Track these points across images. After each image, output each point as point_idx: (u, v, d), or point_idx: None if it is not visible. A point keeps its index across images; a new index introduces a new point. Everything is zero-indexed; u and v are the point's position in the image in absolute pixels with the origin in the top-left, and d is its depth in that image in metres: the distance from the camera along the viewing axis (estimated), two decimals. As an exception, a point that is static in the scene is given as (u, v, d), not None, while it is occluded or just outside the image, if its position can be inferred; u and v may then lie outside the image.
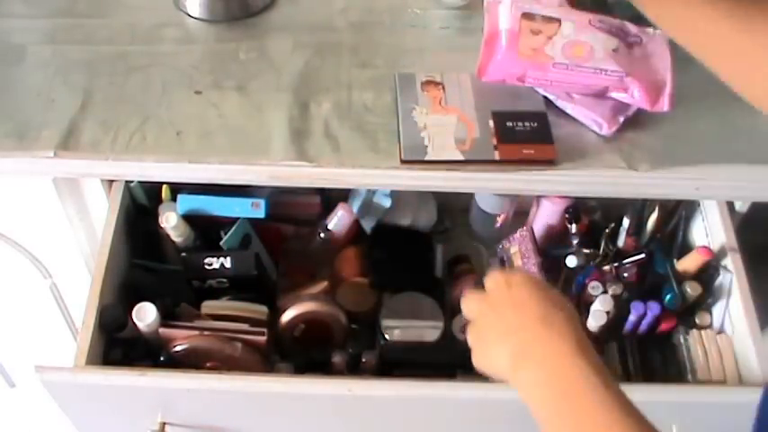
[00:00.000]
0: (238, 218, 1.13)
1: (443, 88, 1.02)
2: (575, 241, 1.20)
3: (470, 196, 1.32)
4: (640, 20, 1.05)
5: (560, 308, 0.71)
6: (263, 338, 1.04)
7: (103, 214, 1.10)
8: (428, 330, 1.17)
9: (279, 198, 1.21)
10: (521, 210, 1.33)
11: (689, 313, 1.12)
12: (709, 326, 1.11)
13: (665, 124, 1.01)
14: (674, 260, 1.14)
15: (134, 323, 1.03)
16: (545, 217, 1.27)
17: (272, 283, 1.19)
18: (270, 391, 0.98)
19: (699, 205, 1.18)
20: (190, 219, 1.11)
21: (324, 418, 1.06)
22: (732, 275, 1.08)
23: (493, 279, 0.76)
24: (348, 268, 1.25)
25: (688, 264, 1.12)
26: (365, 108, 1.01)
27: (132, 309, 1.03)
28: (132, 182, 1.13)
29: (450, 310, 1.21)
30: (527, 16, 0.98)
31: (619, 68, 0.96)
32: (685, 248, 1.18)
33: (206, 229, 1.14)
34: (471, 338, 0.75)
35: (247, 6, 1.13)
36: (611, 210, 1.22)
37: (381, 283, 1.23)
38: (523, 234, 1.23)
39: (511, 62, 0.98)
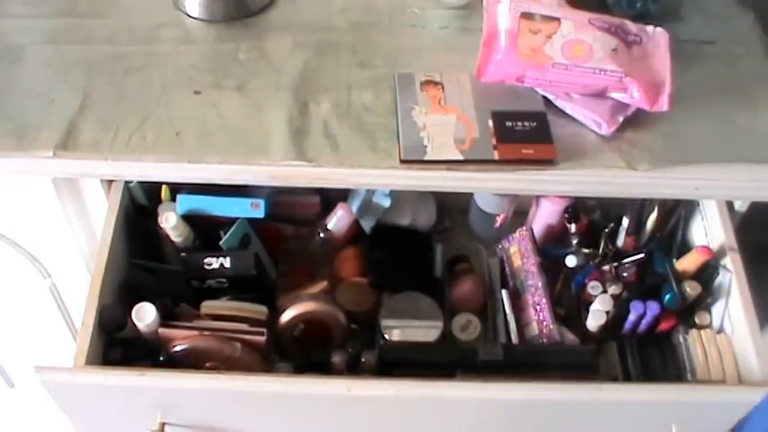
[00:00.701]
0: (238, 218, 1.13)
1: (443, 88, 1.02)
2: (574, 241, 1.20)
3: (470, 196, 1.32)
4: (640, 19, 1.05)
5: None
6: (262, 338, 1.04)
7: (103, 214, 1.10)
8: (428, 330, 1.17)
9: (278, 198, 1.21)
10: (520, 210, 1.33)
11: (688, 313, 1.12)
12: (709, 325, 1.11)
13: (664, 124, 1.01)
14: (674, 260, 1.14)
15: (133, 323, 1.03)
16: (544, 217, 1.27)
17: (272, 283, 1.19)
18: (269, 391, 0.98)
19: (698, 205, 1.18)
20: (189, 219, 1.11)
21: (323, 418, 1.06)
22: (731, 275, 1.08)
23: None
24: (347, 268, 1.25)
25: (687, 263, 1.12)
26: (364, 108, 1.01)
27: (132, 309, 1.03)
28: (131, 182, 1.13)
29: (450, 310, 1.21)
30: (526, 16, 0.98)
31: (618, 68, 0.96)
32: (685, 248, 1.18)
33: (205, 229, 1.14)
34: None
35: (246, 6, 1.13)
36: (611, 209, 1.22)
37: (381, 282, 1.23)
38: (523, 234, 1.23)
39: (510, 62, 0.98)
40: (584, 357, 1.10)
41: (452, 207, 1.37)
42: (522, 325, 1.17)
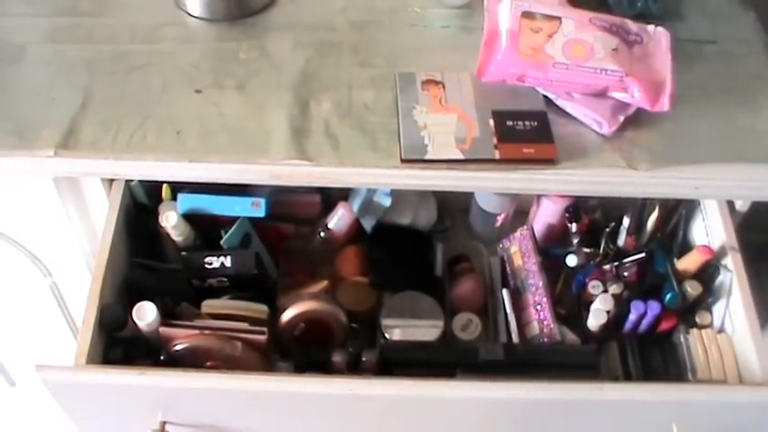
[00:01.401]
0: (238, 217, 1.13)
1: (444, 87, 1.02)
2: (575, 240, 1.20)
3: (470, 195, 1.32)
4: (641, 18, 1.05)
5: None
6: (263, 338, 1.04)
7: (104, 213, 1.10)
8: (428, 330, 1.17)
9: (279, 197, 1.21)
10: (521, 209, 1.33)
11: (689, 312, 1.12)
12: (710, 325, 1.11)
13: (665, 123, 1.01)
14: (675, 259, 1.14)
15: (134, 322, 1.03)
16: (545, 216, 1.27)
17: (273, 283, 1.19)
18: (270, 390, 0.98)
19: (699, 204, 1.18)
20: (190, 218, 1.11)
21: (324, 417, 1.06)
22: (732, 275, 1.08)
23: None
24: (348, 267, 1.25)
25: (688, 263, 1.12)
26: (365, 107, 1.01)
27: (132, 308, 1.03)
28: (132, 181, 1.13)
29: (450, 310, 1.21)
30: (527, 15, 0.98)
31: (619, 68, 0.96)
32: (685, 248, 1.18)
33: (206, 229, 1.14)
34: None
35: (247, 5, 1.13)
36: (612, 209, 1.22)
37: (381, 282, 1.23)
38: (524, 233, 1.23)
39: (511, 62, 0.98)
40: (585, 357, 1.10)
41: (453, 207, 1.37)
42: (522, 324, 1.17)
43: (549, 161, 0.96)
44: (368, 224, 1.27)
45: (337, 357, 1.11)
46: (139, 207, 1.16)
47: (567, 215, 1.21)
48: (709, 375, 1.06)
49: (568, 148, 0.97)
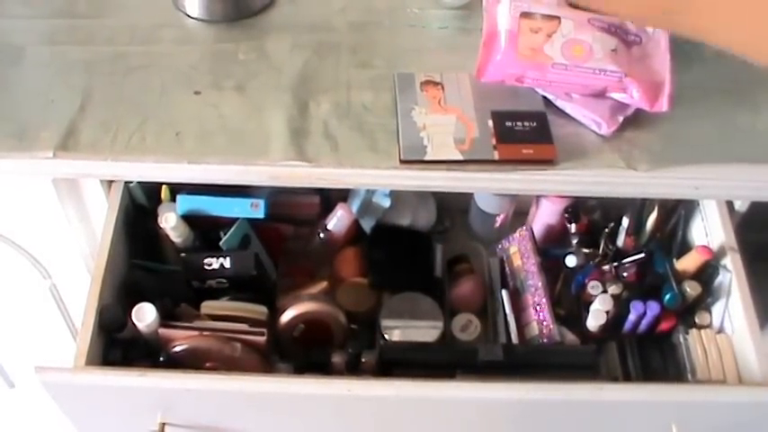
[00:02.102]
0: (238, 218, 1.13)
1: (443, 88, 1.02)
2: (574, 241, 1.20)
3: (470, 196, 1.32)
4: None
5: None
6: (262, 339, 1.04)
7: (103, 215, 1.10)
8: (428, 330, 1.17)
9: (278, 198, 1.21)
10: (520, 210, 1.33)
11: (688, 313, 1.12)
12: (709, 325, 1.11)
13: (664, 124, 1.01)
14: (674, 260, 1.14)
15: (133, 324, 1.03)
16: (544, 217, 1.27)
17: (272, 284, 1.19)
18: (269, 391, 0.98)
19: (698, 205, 1.18)
20: (189, 219, 1.11)
21: (324, 418, 1.06)
22: (731, 275, 1.08)
23: None
24: (347, 268, 1.25)
25: (687, 263, 1.12)
26: (364, 108, 1.01)
27: (132, 309, 1.03)
28: (131, 182, 1.13)
29: (450, 310, 1.21)
30: (526, 15, 0.98)
31: (618, 69, 0.96)
32: (685, 248, 1.18)
33: (205, 230, 1.14)
34: None
35: (246, 6, 1.13)
36: (611, 209, 1.22)
37: (381, 283, 1.23)
38: (523, 234, 1.23)
39: (510, 63, 0.98)
40: (585, 357, 1.10)
41: (452, 207, 1.37)
42: (522, 325, 1.17)
43: (548, 162, 0.96)
44: (367, 225, 1.27)
45: (337, 358, 1.11)
46: (138, 208, 1.16)
47: (566, 216, 1.21)
48: (708, 376, 1.06)
49: (567, 149, 0.97)
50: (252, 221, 1.16)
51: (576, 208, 1.21)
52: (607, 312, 1.12)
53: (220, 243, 1.12)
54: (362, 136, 0.98)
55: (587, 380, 1.02)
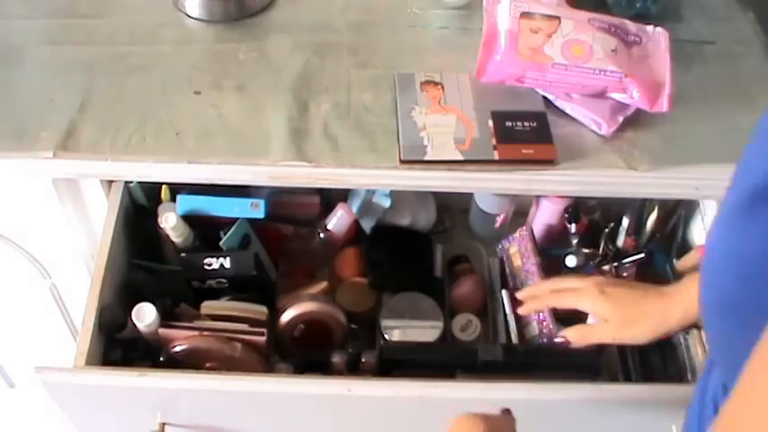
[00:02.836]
0: (238, 218, 1.13)
1: (443, 88, 1.02)
2: (574, 241, 1.20)
3: (470, 196, 1.32)
4: (640, 19, 1.05)
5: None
6: (262, 339, 1.04)
7: (103, 215, 1.10)
8: (428, 330, 1.17)
9: (278, 198, 1.21)
10: (520, 210, 1.33)
11: (688, 313, 1.12)
12: (709, 325, 1.11)
13: (664, 124, 1.01)
14: (674, 260, 1.14)
15: (134, 323, 1.03)
16: (544, 217, 1.27)
17: (272, 284, 1.19)
18: (269, 391, 0.97)
19: (698, 205, 1.18)
20: (189, 219, 1.11)
21: (324, 418, 1.06)
22: (731, 275, 1.08)
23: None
24: (347, 268, 1.25)
25: (687, 263, 1.12)
26: (364, 108, 1.01)
27: (132, 309, 1.03)
28: (131, 182, 1.13)
29: (450, 310, 1.21)
30: (526, 16, 0.98)
31: (618, 69, 0.96)
32: (685, 248, 1.18)
33: (205, 230, 1.14)
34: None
35: (246, 7, 1.13)
36: (611, 209, 1.22)
37: (381, 283, 1.23)
38: (523, 234, 1.23)
39: (510, 63, 0.98)
40: (585, 358, 1.10)
41: (452, 207, 1.37)
42: (522, 325, 1.17)
43: (548, 162, 0.96)
44: (367, 225, 1.27)
45: (337, 358, 1.11)
46: (139, 208, 1.16)
47: (566, 216, 1.21)
48: (708, 376, 1.06)
49: (568, 149, 0.97)
50: (252, 221, 1.16)
51: (576, 208, 1.21)
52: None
53: (220, 243, 1.12)
54: (363, 136, 0.98)
55: (587, 380, 1.02)
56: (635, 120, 1.01)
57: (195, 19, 1.12)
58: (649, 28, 1.02)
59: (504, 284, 1.24)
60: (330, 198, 1.26)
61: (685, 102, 1.02)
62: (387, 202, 1.25)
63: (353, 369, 1.10)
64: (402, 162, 0.95)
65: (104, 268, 1.04)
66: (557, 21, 0.98)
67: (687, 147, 0.99)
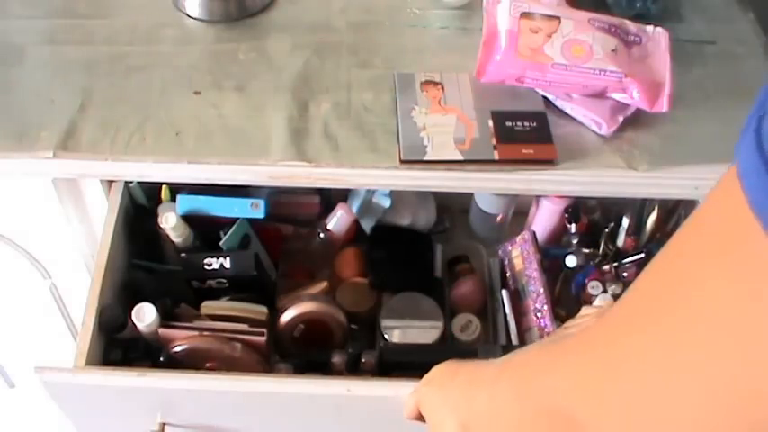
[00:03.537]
0: (238, 218, 1.13)
1: (443, 88, 1.02)
2: (574, 241, 1.20)
3: (470, 196, 1.32)
4: (640, 19, 1.05)
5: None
6: (262, 339, 1.04)
7: (103, 215, 1.10)
8: (428, 330, 1.17)
9: (278, 198, 1.21)
10: (520, 210, 1.33)
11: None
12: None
13: (664, 124, 1.01)
14: (674, 260, 1.14)
15: (134, 324, 1.03)
16: (544, 217, 1.27)
17: (272, 284, 1.19)
18: (269, 391, 0.97)
19: (698, 205, 1.17)
20: (189, 219, 1.11)
21: (323, 418, 1.06)
22: (731, 275, 1.08)
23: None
24: (347, 268, 1.25)
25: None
26: (364, 108, 1.01)
27: (132, 309, 1.03)
28: (131, 182, 1.13)
29: (450, 310, 1.21)
30: (526, 15, 0.98)
31: (618, 69, 0.96)
32: (685, 248, 1.17)
33: (205, 230, 1.14)
34: None
35: (246, 7, 1.13)
36: (611, 209, 1.22)
37: (381, 283, 1.23)
38: (525, 237, 1.23)
39: (510, 63, 0.98)
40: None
41: (453, 207, 1.37)
42: (522, 330, 1.17)
43: (548, 162, 0.96)
44: (367, 225, 1.27)
45: (337, 358, 1.11)
46: (139, 208, 1.16)
47: (566, 216, 1.21)
48: (708, 376, 1.05)
49: (568, 149, 0.97)
50: (252, 221, 1.16)
51: (576, 208, 1.21)
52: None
53: (220, 243, 1.12)
54: (362, 136, 0.98)
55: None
56: (635, 120, 1.01)
57: (195, 19, 1.12)
58: (649, 28, 1.02)
59: (504, 284, 1.24)
60: (330, 198, 1.26)
61: (685, 102, 1.02)
62: (387, 202, 1.25)
63: (353, 369, 1.10)
64: (402, 162, 0.95)
65: (104, 268, 1.04)
66: (557, 21, 0.98)
67: (687, 147, 0.99)
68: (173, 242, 1.11)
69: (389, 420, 1.06)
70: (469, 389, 0.69)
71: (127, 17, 1.11)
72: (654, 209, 1.17)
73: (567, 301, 1.19)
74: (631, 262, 1.15)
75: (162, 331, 1.03)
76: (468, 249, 1.31)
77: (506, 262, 1.25)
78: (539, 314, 1.15)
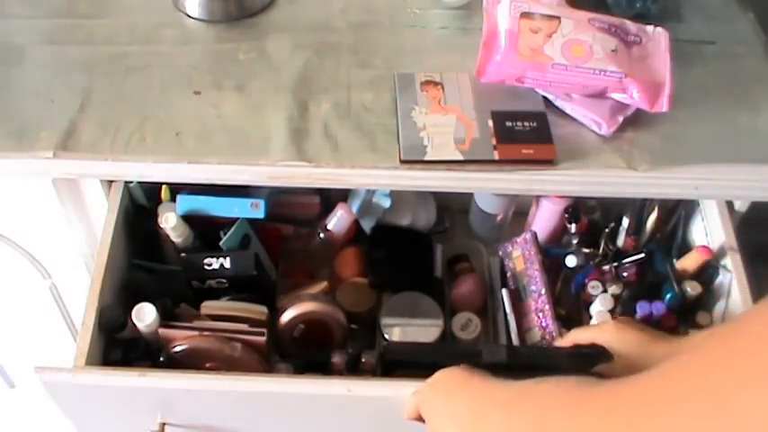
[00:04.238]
0: (238, 218, 1.13)
1: (443, 88, 1.02)
2: (574, 241, 1.20)
3: (470, 196, 1.32)
4: (640, 19, 1.05)
5: None
6: (262, 339, 1.04)
7: (103, 215, 1.10)
8: (428, 329, 1.17)
9: (278, 198, 1.21)
10: (520, 210, 1.33)
11: (689, 313, 1.12)
12: (709, 325, 1.11)
13: (664, 124, 1.01)
14: (674, 260, 1.14)
15: (134, 324, 1.03)
16: (544, 217, 1.27)
17: (272, 284, 1.19)
18: (270, 391, 0.97)
19: (698, 205, 1.17)
20: (189, 219, 1.11)
21: (323, 418, 1.06)
22: (732, 275, 1.08)
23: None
24: (347, 268, 1.25)
25: (688, 263, 1.12)
26: (364, 108, 1.01)
27: (132, 309, 1.03)
28: (131, 182, 1.13)
29: (450, 310, 1.21)
30: (526, 15, 0.98)
31: (618, 69, 0.96)
32: (685, 248, 1.18)
33: (205, 230, 1.14)
34: None
35: (246, 7, 1.13)
36: (611, 209, 1.22)
37: (381, 282, 1.23)
38: (526, 238, 1.23)
39: (510, 63, 0.98)
40: (591, 359, 1.10)
41: (453, 207, 1.37)
42: (523, 330, 1.17)
43: (548, 162, 0.96)
44: (367, 225, 1.27)
45: (337, 358, 1.11)
46: (138, 208, 1.16)
47: (566, 216, 1.21)
48: (708, 376, 1.05)
49: (568, 149, 0.97)
50: (252, 221, 1.16)
51: (576, 208, 1.20)
52: (611, 312, 1.12)
53: (220, 243, 1.12)
54: (362, 136, 0.98)
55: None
56: (635, 120, 1.01)
57: (195, 19, 1.12)
58: (649, 28, 1.02)
59: (504, 284, 1.24)
60: (330, 198, 1.26)
61: (685, 102, 1.02)
62: (387, 202, 1.25)
63: (353, 369, 1.10)
64: (402, 162, 0.95)
65: (104, 268, 1.04)
66: (557, 21, 0.98)
67: (687, 146, 0.99)
68: (173, 242, 1.11)
69: (390, 420, 1.06)
70: (479, 406, 0.70)
71: (127, 17, 1.11)
72: (654, 209, 1.17)
73: (566, 301, 1.19)
74: (631, 262, 1.14)
75: (162, 331, 1.03)
76: (468, 249, 1.32)
77: (506, 262, 1.25)
78: (540, 314, 1.15)
